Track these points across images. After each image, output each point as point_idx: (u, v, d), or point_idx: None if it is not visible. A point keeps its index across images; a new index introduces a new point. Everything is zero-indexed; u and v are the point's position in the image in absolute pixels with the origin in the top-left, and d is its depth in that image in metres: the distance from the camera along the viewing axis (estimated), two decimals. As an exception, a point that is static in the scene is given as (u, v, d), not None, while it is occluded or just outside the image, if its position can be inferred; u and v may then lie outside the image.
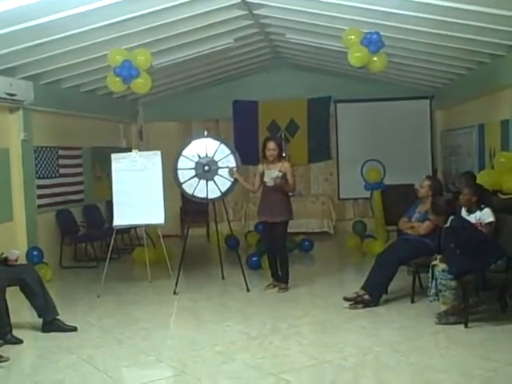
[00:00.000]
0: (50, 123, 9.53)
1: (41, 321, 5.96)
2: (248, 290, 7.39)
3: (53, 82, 9.07)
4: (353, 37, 6.78)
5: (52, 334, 5.83)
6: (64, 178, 9.98)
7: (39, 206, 9.14)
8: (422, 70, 10.19)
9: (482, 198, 6.05)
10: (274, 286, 7.45)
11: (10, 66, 7.87)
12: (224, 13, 7.82)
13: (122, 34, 7.37)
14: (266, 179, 7.20)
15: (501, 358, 4.76)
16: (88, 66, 8.62)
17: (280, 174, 7.16)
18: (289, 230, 7.60)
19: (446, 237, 5.76)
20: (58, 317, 5.96)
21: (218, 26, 8.23)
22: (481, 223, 5.91)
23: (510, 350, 4.96)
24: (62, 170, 9.91)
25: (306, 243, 10.18)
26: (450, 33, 7.46)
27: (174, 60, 9.16)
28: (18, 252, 6.09)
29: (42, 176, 9.32)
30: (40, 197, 9.20)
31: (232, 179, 7.47)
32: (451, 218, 5.85)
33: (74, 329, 5.92)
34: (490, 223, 5.89)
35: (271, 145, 7.32)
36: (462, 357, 4.87)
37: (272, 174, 7.17)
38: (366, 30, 6.83)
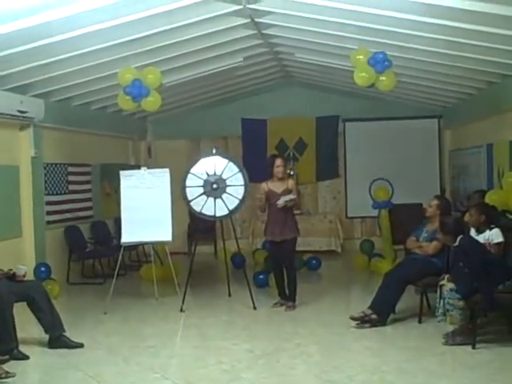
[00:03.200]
0: (60, 140, 9.61)
1: (47, 337, 5.96)
2: (255, 308, 7.37)
3: (63, 99, 9.17)
4: (361, 57, 6.82)
5: (58, 350, 5.83)
6: (73, 195, 10.04)
7: (48, 223, 9.18)
8: (431, 90, 10.21)
9: (491, 217, 6.04)
10: (281, 305, 7.43)
11: (21, 83, 7.96)
12: (233, 32, 7.88)
13: (132, 52, 7.45)
14: (278, 202, 7.20)
15: (508, 380, 4.73)
16: (98, 84, 8.72)
17: (294, 197, 7.20)
18: (296, 249, 7.61)
19: (455, 256, 5.75)
20: (64, 333, 5.96)
21: (228, 45, 8.31)
22: (489, 243, 5.89)
23: (518, 371, 4.93)
24: (71, 187, 9.97)
25: (314, 261, 10.16)
26: (459, 53, 7.49)
27: (184, 78, 9.24)
28: (25, 268, 6.12)
29: (51, 192, 9.38)
30: (49, 213, 9.25)
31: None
32: (460, 237, 5.83)
33: (81, 345, 5.92)
34: (498, 243, 5.86)
35: (279, 161, 7.37)
36: (469, 378, 4.83)
37: (286, 198, 7.18)
38: (373, 50, 6.87)
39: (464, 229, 5.98)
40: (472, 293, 5.50)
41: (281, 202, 7.17)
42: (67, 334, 5.98)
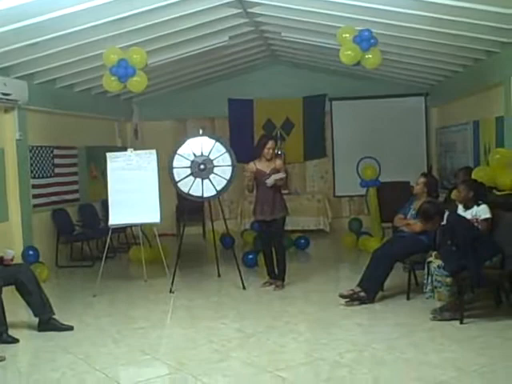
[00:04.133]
0: (45, 123, 9.52)
1: (37, 320, 5.96)
2: (244, 288, 7.40)
3: (47, 81, 9.06)
4: (347, 35, 6.80)
5: (48, 333, 5.83)
6: (59, 178, 9.96)
7: (35, 206, 9.12)
8: (417, 67, 10.20)
9: (479, 193, 6.07)
10: (271, 284, 7.46)
11: (4, 65, 7.86)
12: (218, 11, 7.82)
13: (116, 32, 7.36)
14: (267, 181, 7.19)
15: (495, 354, 4.79)
16: (82, 65, 8.61)
17: (284, 175, 7.22)
18: (285, 228, 7.64)
19: (442, 233, 5.78)
20: (54, 316, 5.96)
21: (213, 24, 8.23)
22: (477, 219, 5.93)
23: (505, 345, 4.99)
24: (57, 170, 9.90)
25: (302, 241, 10.19)
26: (444, 30, 7.48)
27: (169, 59, 9.15)
28: (13, 252, 6.10)
29: (37, 176, 9.31)
30: (35, 196, 9.19)
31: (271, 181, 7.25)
32: (447, 214, 5.86)
33: (71, 328, 5.92)
34: (486, 219, 5.91)
35: (271, 143, 7.37)
36: (458, 352, 4.89)
37: (276, 176, 7.18)
38: (360, 28, 6.84)
39: (444, 211, 5.98)
40: (459, 269, 5.54)
41: (270, 180, 7.17)
42: (57, 316, 5.98)
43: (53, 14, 6.36)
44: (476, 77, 9.04)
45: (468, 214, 5.98)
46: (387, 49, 8.13)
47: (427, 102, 12.34)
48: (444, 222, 5.83)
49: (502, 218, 5.93)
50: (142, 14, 7.00)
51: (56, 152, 9.89)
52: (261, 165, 7.36)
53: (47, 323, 5.91)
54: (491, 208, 5.96)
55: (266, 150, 7.33)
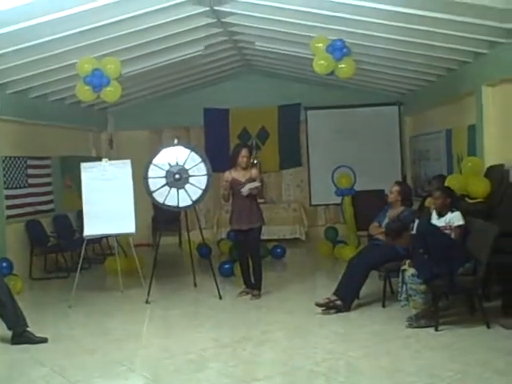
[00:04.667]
0: (18, 133, 9.42)
1: (10, 333, 5.87)
2: (220, 298, 7.38)
3: (20, 91, 8.97)
4: (320, 44, 6.85)
5: (22, 346, 5.74)
6: (33, 188, 9.87)
7: (8, 217, 9.01)
8: (391, 77, 10.32)
9: (454, 200, 6.15)
10: (247, 293, 7.45)
11: (-25, 75, 7.79)
12: (193, 21, 7.84)
13: (90, 42, 7.34)
14: (242, 190, 7.20)
15: (469, 360, 4.83)
16: (56, 74, 8.56)
17: (259, 184, 7.21)
18: (261, 237, 7.64)
19: (415, 242, 5.84)
20: (27, 329, 5.88)
21: (187, 34, 8.25)
22: (450, 226, 5.99)
23: (479, 352, 5.04)
24: (30, 180, 9.80)
25: (278, 250, 10.21)
26: (417, 40, 7.59)
27: (144, 68, 9.15)
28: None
29: (10, 186, 9.20)
30: (8, 207, 9.08)
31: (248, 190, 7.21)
32: (417, 223, 5.93)
33: (45, 340, 5.84)
34: (459, 226, 5.97)
35: (245, 152, 7.37)
36: (432, 359, 4.93)
37: (251, 185, 7.18)
38: (333, 38, 6.90)
39: (412, 222, 6.06)
40: (433, 277, 5.59)
41: (245, 189, 7.17)
42: (31, 329, 5.90)
43: (25, 23, 6.32)
44: (449, 86, 9.17)
45: (442, 222, 6.05)
46: (361, 58, 8.21)
47: (401, 111, 12.49)
48: (414, 232, 5.90)
49: (474, 226, 6.01)
50: (116, 23, 6.99)
51: (30, 162, 9.79)
52: (237, 174, 7.36)
53: (21, 336, 5.83)
54: (464, 215, 6.04)
55: (240, 159, 7.33)
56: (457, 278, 5.57)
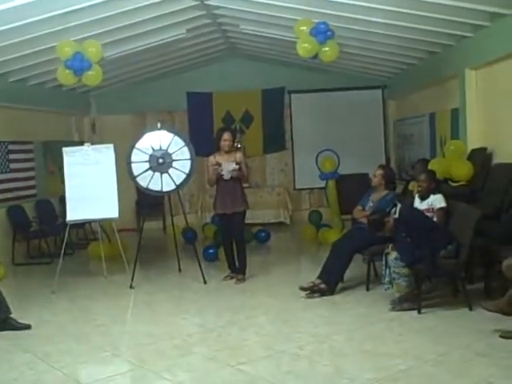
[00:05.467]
0: (-1, 117, 9.31)
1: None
2: (205, 282, 7.38)
3: (-1, 75, 8.85)
4: (304, 27, 6.81)
5: (5, 332, 5.70)
6: (15, 173, 9.77)
7: (-11, 203, 8.93)
8: (374, 60, 10.31)
9: (437, 184, 6.18)
10: (232, 278, 7.46)
11: (-46, 59, 7.65)
12: (176, 3, 7.76)
13: (71, 25, 7.21)
14: (222, 172, 7.18)
15: (452, 342, 4.87)
16: (36, 58, 8.42)
17: (237, 166, 7.18)
18: (245, 221, 7.63)
19: (397, 226, 5.86)
20: (11, 315, 5.83)
21: (170, 16, 8.16)
22: (432, 209, 6.01)
23: (461, 334, 5.09)
24: (12, 165, 9.70)
25: (263, 234, 10.21)
26: (400, 23, 7.57)
27: (126, 51, 9.03)
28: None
29: (-9, 172, 9.11)
30: (-10, 193, 9.00)
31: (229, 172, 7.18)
32: (399, 206, 5.95)
33: (28, 327, 5.81)
34: (441, 208, 5.98)
35: (227, 135, 7.33)
36: (416, 342, 4.97)
37: (229, 166, 7.15)
38: (316, 21, 6.86)
39: (392, 208, 6.10)
40: (415, 260, 5.62)
41: (225, 173, 7.13)
42: (14, 315, 5.86)
43: (4, 5, 6.20)
44: (432, 69, 9.17)
45: (424, 205, 6.06)
46: (345, 41, 8.18)
47: (385, 95, 12.50)
48: (396, 216, 5.92)
49: (457, 209, 6.04)
50: (96, 5, 6.89)
51: (11, 147, 9.69)
52: (221, 158, 7.33)
53: (4, 322, 5.78)
54: (446, 198, 6.06)
55: (222, 142, 7.30)
56: (439, 261, 5.61)
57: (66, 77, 7.20)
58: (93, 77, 7.22)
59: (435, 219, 5.92)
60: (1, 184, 9.35)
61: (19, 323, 5.81)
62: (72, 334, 5.70)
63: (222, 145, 7.31)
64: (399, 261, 5.73)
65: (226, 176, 7.16)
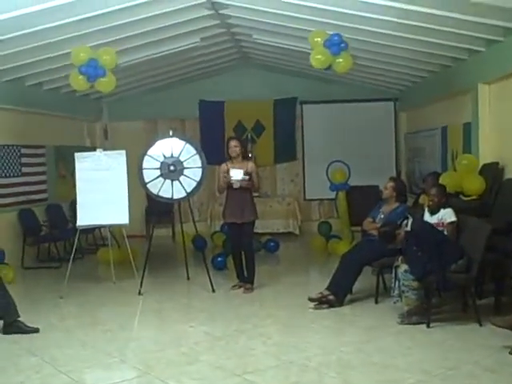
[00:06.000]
0: (12, 121, 9.37)
1: (1, 323, 5.84)
2: (213, 291, 7.37)
3: (15, 79, 8.91)
4: (318, 39, 6.83)
5: (13, 335, 5.72)
6: (27, 177, 9.82)
7: (0, 206, 8.97)
8: (387, 73, 10.31)
9: (447, 198, 6.16)
10: (240, 287, 7.45)
11: (-30, 63, 7.73)
12: (190, 12, 7.80)
13: (87, 31, 7.28)
14: (232, 180, 7.19)
15: (461, 357, 4.84)
16: (51, 63, 8.51)
17: (246, 177, 7.18)
18: (255, 231, 7.64)
19: (408, 239, 5.84)
20: (19, 318, 5.85)
21: (184, 25, 8.21)
22: (442, 223, 5.99)
23: (470, 349, 5.05)
24: (24, 169, 9.76)
25: (272, 244, 10.21)
26: (413, 36, 7.57)
27: (140, 59, 9.10)
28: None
29: (3, 175, 9.16)
30: (1, 196, 9.05)
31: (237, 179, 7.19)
32: (411, 220, 5.93)
33: (36, 330, 5.82)
34: (452, 223, 5.97)
35: (233, 142, 7.37)
36: (424, 356, 4.93)
37: (238, 174, 7.16)
38: (330, 32, 6.88)
39: (404, 221, 6.08)
40: (425, 274, 5.60)
41: (234, 181, 7.13)
42: (22, 319, 5.87)
43: (22, 11, 6.26)
44: (444, 83, 9.16)
45: (434, 219, 6.04)
46: (358, 53, 8.20)
47: (396, 107, 12.48)
48: (408, 229, 5.90)
49: (468, 223, 6.01)
50: (112, 12, 6.94)
51: (24, 151, 9.75)
52: (233, 167, 7.33)
53: (12, 326, 5.80)
54: (456, 212, 6.04)
55: (230, 150, 7.33)
56: (450, 275, 5.58)
57: (78, 82, 7.24)
58: (106, 84, 7.26)
59: (446, 233, 5.90)
60: (13, 187, 9.40)
61: (27, 326, 5.82)
62: (79, 339, 5.70)
63: (230, 152, 7.34)
64: (409, 274, 5.70)
65: (236, 184, 7.17)
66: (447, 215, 6.01)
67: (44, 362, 5.03)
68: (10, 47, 7.45)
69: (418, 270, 5.62)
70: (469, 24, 6.78)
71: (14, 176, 9.47)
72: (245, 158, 7.45)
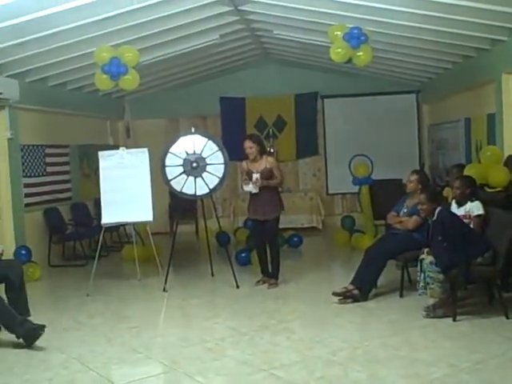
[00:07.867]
0: (37, 121, 9.48)
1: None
2: (237, 287, 7.39)
3: (39, 79, 9.01)
4: (338, 32, 6.80)
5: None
6: (51, 177, 9.93)
7: (26, 205, 9.08)
8: (408, 65, 10.23)
9: (474, 189, 6.09)
10: (264, 282, 7.45)
11: (-5, 64, 7.83)
12: (209, 9, 7.81)
13: (108, 30, 7.36)
14: (247, 189, 7.18)
15: (488, 350, 4.80)
16: (74, 63, 8.59)
17: (258, 183, 7.13)
18: (279, 226, 7.61)
19: (434, 230, 5.80)
20: (29, 317, 5.76)
21: (204, 22, 8.23)
22: (470, 215, 5.94)
23: (497, 342, 5.01)
24: (49, 168, 9.86)
25: (295, 239, 10.20)
26: (435, 27, 7.51)
27: (161, 57, 9.15)
28: (1, 246, 6.09)
29: (29, 174, 9.27)
30: (27, 195, 9.15)
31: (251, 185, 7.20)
32: (438, 210, 5.87)
33: (42, 327, 5.51)
34: (479, 216, 5.92)
35: (246, 143, 7.32)
36: (450, 349, 4.90)
37: (249, 188, 7.16)
38: (351, 25, 6.84)
39: (441, 201, 6.01)
40: (451, 266, 5.55)
41: (249, 188, 7.15)
42: (51, 315, 5.97)
43: (44, 11, 6.34)
44: (467, 74, 9.06)
45: (461, 211, 6.00)
46: (379, 46, 8.14)
47: (419, 99, 12.38)
48: (435, 218, 5.85)
49: (493, 215, 5.95)
50: (133, 11, 6.99)
51: (48, 151, 9.85)
52: (251, 165, 7.34)
53: (21, 325, 5.62)
54: (484, 205, 5.98)
55: (246, 151, 7.32)
56: (475, 268, 5.53)
57: (103, 81, 7.30)
58: (129, 81, 7.30)
59: (472, 226, 5.84)
60: (38, 187, 9.51)
61: (34, 324, 5.50)
62: (106, 335, 5.76)
63: (247, 154, 7.33)
64: (434, 265, 5.66)
65: (254, 189, 7.14)
66: (475, 208, 5.95)
67: (72, 359, 5.09)
68: (33, 48, 7.55)
69: (443, 261, 5.58)
70: (491, 13, 6.70)
71: (39, 176, 9.58)
72: (261, 154, 7.38)
